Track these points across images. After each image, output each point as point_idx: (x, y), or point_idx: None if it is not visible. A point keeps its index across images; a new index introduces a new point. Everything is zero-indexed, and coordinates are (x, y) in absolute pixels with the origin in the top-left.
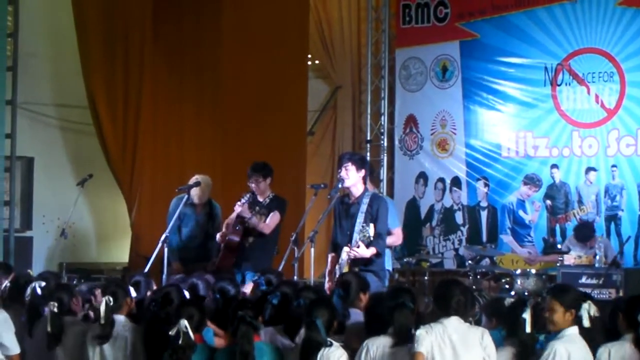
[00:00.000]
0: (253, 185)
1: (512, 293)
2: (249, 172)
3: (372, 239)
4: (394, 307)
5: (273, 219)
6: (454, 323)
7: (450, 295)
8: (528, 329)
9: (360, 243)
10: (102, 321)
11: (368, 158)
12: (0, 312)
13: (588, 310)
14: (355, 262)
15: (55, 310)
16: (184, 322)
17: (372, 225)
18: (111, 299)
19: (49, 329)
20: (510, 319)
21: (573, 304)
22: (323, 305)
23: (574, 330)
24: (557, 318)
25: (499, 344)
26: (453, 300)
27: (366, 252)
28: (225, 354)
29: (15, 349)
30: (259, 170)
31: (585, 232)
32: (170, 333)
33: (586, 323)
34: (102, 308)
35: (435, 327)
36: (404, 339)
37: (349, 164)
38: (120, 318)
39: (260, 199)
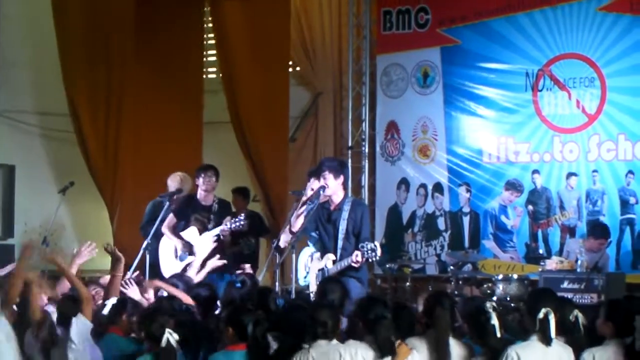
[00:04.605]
0: (203, 186)
1: (494, 299)
2: (197, 171)
3: (377, 258)
4: (373, 319)
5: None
6: None
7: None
8: (498, 334)
9: (360, 256)
10: (45, 335)
11: (350, 164)
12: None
13: (547, 316)
14: (344, 270)
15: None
16: (169, 333)
17: (378, 244)
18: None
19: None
20: (478, 327)
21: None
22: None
23: (536, 335)
24: (526, 323)
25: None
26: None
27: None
28: None
29: None
30: (211, 168)
31: (603, 228)
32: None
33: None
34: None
35: None
36: (388, 351)
37: (326, 172)
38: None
39: (203, 202)
